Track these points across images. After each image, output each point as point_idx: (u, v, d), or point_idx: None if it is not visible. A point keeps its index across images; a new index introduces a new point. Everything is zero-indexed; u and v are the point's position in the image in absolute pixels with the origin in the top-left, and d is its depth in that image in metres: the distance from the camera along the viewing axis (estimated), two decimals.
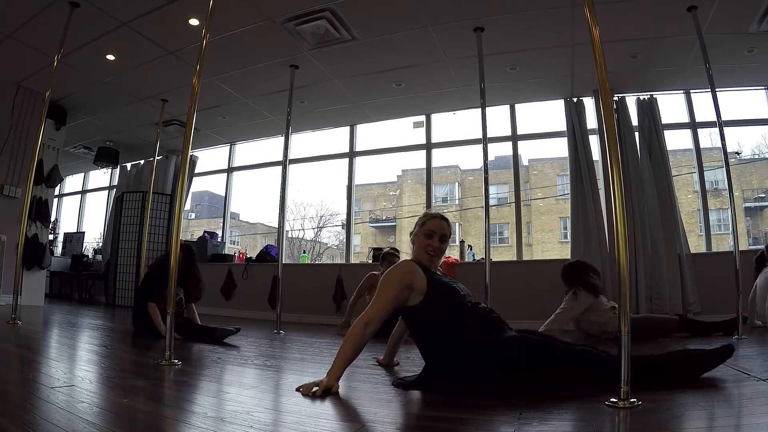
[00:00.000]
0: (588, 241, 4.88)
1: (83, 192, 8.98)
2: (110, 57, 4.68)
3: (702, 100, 5.16)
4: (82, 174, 8.95)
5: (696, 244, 6.10)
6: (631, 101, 5.13)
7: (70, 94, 5.58)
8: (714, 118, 3.70)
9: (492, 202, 8.58)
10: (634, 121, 5.07)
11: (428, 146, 6.14)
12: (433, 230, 1.98)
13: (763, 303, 3.63)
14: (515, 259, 5.64)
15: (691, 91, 5.20)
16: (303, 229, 17.91)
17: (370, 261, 5.95)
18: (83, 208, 8.94)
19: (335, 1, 3.78)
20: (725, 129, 3.65)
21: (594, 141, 5.21)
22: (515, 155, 5.86)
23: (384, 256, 4.11)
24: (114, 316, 5.06)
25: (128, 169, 7.89)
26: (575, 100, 5.26)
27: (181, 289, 3.48)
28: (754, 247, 9.68)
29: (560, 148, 8.62)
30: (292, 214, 17.46)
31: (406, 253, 3.52)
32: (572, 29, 4.07)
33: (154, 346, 2.80)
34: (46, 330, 3.55)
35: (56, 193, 7.18)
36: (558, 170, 15.18)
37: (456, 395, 1.68)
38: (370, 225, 18.15)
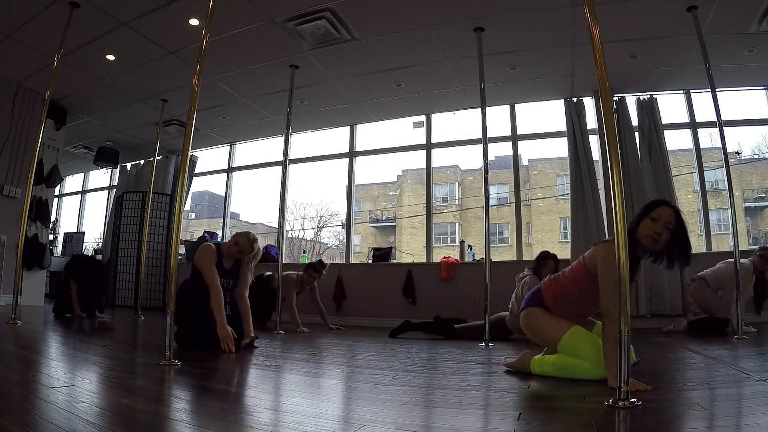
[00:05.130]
0: (588, 241, 4.87)
1: (83, 192, 8.98)
2: (110, 57, 4.68)
3: (702, 100, 5.17)
4: (82, 174, 8.95)
5: (696, 244, 6.07)
6: (631, 101, 5.13)
7: (70, 94, 5.58)
8: (714, 118, 3.70)
9: (492, 202, 8.58)
10: (634, 121, 5.07)
11: (428, 146, 6.14)
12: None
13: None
14: (515, 259, 5.64)
15: (691, 91, 5.20)
16: (303, 229, 17.92)
17: (371, 261, 5.95)
18: (83, 208, 8.94)
19: (335, 1, 3.78)
20: (725, 129, 3.65)
21: (594, 141, 5.21)
22: (515, 155, 5.86)
23: (306, 267, 4.78)
24: (114, 316, 5.06)
25: (128, 169, 7.89)
26: (575, 100, 5.26)
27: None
28: (754, 247, 9.68)
29: (560, 148, 8.63)
30: (292, 214, 17.46)
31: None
32: (572, 29, 4.07)
33: (154, 346, 2.80)
34: (46, 330, 3.55)
35: (56, 193, 7.18)
36: (558, 170, 15.19)
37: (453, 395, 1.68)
38: (370, 225, 18.15)
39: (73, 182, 9.13)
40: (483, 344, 3.29)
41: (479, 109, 4.07)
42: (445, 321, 4.03)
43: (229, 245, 3.01)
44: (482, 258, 4.43)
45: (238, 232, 3.07)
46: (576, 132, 5.17)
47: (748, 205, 13.57)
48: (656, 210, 1.92)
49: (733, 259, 3.85)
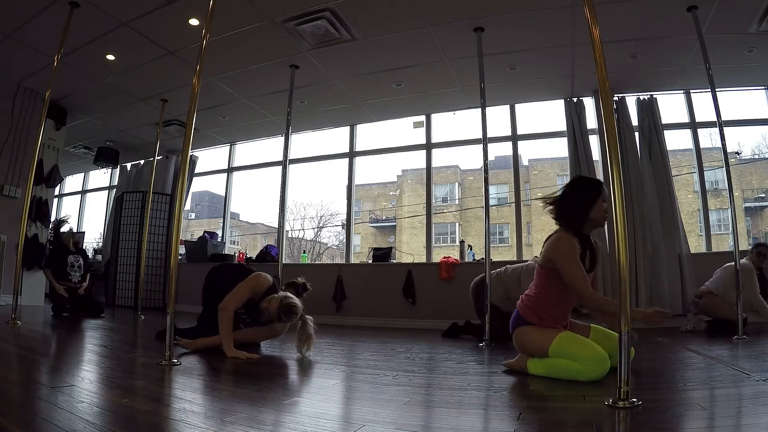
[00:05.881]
0: None
1: (83, 192, 8.98)
2: (110, 57, 4.68)
3: (702, 100, 5.16)
4: (82, 174, 8.94)
5: (696, 244, 6.10)
6: (631, 101, 5.13)
7: (70, 94, 5.58)
8: (714, 118, 3.70)
9: (492, 202, 8.58)
10: (634, 121, 5.07)
11: (428, 146, 6.13)
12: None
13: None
14: (515, 259, 5.63)
15: (691, 91, 5.19)
16: (303, 229, 17.95)
17: (371, 261, 5.95)
18: (83, 208, 8.94)
19: (335, 1, 3.78)
20: (725, 129, 3.65)
21: (594, 141, 5.20)
22: (515, 155, 5.85)
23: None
24: (114, 316, 5.06)
25: (128, 169, 7.89)
26: (575, 100, 5.25)
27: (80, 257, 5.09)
28: None
29: (560, 148, 8.63)
30: (292, 214, 17.49)
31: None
32: (572, 29, 4.07)
33: (154, 346, 2.80)
34: (46, 330, 3.55)
35: (56, 193, 7.18)
36: (558, 170, 15.19)
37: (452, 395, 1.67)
38: (370, 225, 18.16)
39: (73, 182, 9.13)
40: (483, 344, 3.29)
41: (479, 109, 4.06)
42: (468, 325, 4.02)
43: (266, 299, 2.69)
44: (482, 258, 4.43)
45: (279, 295, 2.69)
46: (576, 132, 5.16)
47: (748, 205, 13.59)
48: (603, 192, 2.12)
49: (730, 264, 3.89)
